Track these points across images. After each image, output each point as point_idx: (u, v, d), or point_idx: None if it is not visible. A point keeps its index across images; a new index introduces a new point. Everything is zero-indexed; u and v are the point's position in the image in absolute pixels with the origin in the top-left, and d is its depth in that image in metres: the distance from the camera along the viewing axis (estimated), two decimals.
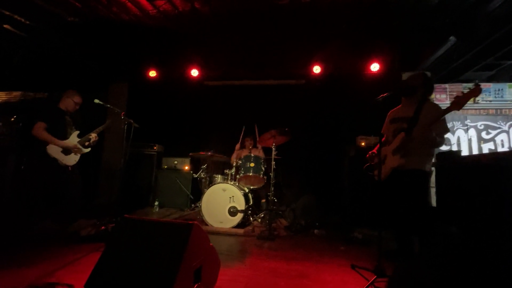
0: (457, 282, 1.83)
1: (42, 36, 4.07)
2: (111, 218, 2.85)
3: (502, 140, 4.70)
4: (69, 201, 2.95)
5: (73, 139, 3.04)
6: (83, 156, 3.13)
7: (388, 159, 2.36)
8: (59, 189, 2.92)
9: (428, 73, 4.43)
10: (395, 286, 1.81)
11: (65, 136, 2.99)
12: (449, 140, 4.67)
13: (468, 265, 1.93)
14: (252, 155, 3.74)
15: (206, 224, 3.37)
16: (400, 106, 2.51)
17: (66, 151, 2.95)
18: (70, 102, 3.12)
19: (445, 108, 2.09)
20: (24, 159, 3.96)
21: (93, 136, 3.11)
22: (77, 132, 3.11)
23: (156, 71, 5.07)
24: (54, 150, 2.87)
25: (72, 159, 2.99)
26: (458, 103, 1.94)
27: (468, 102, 5.08)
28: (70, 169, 2.98)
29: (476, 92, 1.90)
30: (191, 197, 4.76)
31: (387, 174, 2.34)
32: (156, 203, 4.60)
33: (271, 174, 3.39)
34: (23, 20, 3.73)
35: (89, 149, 3.14)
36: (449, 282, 1.85)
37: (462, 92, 1.95)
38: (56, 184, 2.91)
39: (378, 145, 2.21)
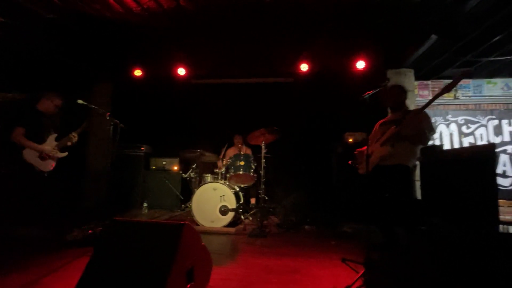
0: (441, 270, 1.91)
1: (19, 34, 3.89)
2: (98, 221, 2.78)
3: (481, 134, 4.92)
4: (47, 208, 2.85)
5: (51, 142, 2.93)
6: (66, 159, 3.03)
7: (375, 152, 2.44)
8: (35, 195, 2.81)
9: (412, 70, 4.59)
10: (382, 277, 1.86)
11: (43, 140, 2.88)
12: None
13: (451, 254, 2.01)
14: (242, 153, 3.74)
15: (197, 224, 3.34)
16: (387, 117, 2.67)
17: (43, 156, 2.84)
18: (50, 104, 2.99)
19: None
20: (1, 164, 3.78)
21: (74, 136, 3.01)
22: (55, 135, 2.99)
23: (141, 70, 4.96)
24: (30, 156, 2.76)
25: (48, 165, 2.88)
26: (448, 87, 2.04)
27: (449, 98, 5.25)
28: (46, 175, 2.87)
29: (464, 75, 2.03)
30: (181, 197, 4.71)
31: (374, 165, 2.42)
32: (145, 205, 4.52)
33: (261, 172, 3.40)
34: None
35: (65, 154, 3.03)
36: (434, 271, 1.92)
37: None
38: (32, 191, 2.80)
39: (365, 147, 2.28)
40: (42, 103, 2.98)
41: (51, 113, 3.03)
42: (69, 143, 3.00)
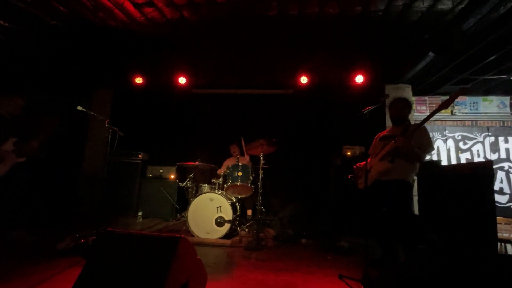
0: (438, 286, 1.87)
1: (21, 38, 3.92)
2: (91, 229, 2.72)
3: (478, 150, 4.95)
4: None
5: (7, 146, 2.86)
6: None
7: (374, 167, 2.43)
8: None
9: (410, 86, 4.66)
10: None
11: None
12: None
13: (448, 269, 1.98)
14: (240, 164, 3.72)
15: (192, 235, 3.28)
16: (388, 129, 2.66)
17: None
18: (10, 106, 2.94)
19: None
20: None
21: (35, 143, 2.96)
22: (14, 139, 2.91)
23: (142, 78, 4.99)
24: None
25: None
26: (445, 103, 2.06)
27: (446, 114, 5.30)
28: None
29: (462, 92, 2.05)
30: (177, 207, 4.64)
31: (373, 180, 2.41)
32: (140, 213, 4.44)
33: (259, 183, 3.37)
34: (1, 22, 3.58)
35: (23, 159, 2.94)
36: (431, 286, 1.88)
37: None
38: None
39: (364, 162, 2.28)
40: (1, 106, 2.93)
41: (13, 115, 2.96)
42: (30, 148, 2.94)
